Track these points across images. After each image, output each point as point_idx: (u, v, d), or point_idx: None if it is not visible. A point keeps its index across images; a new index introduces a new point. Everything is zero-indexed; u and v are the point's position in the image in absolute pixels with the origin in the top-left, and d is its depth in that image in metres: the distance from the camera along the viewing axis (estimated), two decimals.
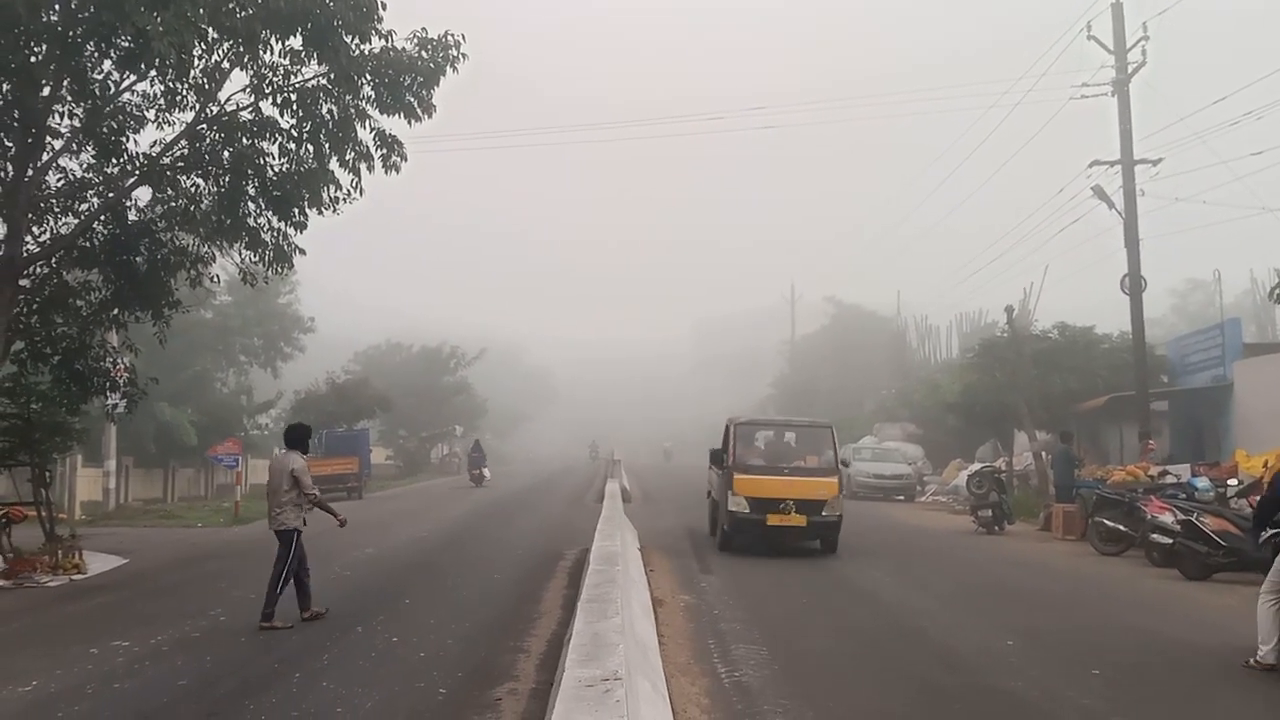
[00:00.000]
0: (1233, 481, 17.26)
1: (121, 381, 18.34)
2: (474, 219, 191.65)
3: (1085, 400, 27.68)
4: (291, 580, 11.27)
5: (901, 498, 31.78)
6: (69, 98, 15.78)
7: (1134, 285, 24.20)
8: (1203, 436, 25.47)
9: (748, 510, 16.07)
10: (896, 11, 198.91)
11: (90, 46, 14.55)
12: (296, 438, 11.95)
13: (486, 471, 41.54)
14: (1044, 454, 26.31)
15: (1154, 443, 23.47)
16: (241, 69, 16.39)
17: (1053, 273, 36.87)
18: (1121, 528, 16.67)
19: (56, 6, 14.13)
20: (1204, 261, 64.49)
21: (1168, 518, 14.57)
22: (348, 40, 15.70)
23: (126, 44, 13.76)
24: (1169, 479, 18.28)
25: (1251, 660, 8.88)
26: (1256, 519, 10.73)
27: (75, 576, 14.98)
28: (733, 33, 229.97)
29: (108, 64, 15.34)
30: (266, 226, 17.39)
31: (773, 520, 16.02)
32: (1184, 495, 16.49)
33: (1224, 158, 23.65)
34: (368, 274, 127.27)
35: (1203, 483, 17.40)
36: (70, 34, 14.20)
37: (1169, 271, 57.11)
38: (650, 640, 8.37)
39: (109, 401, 19.54)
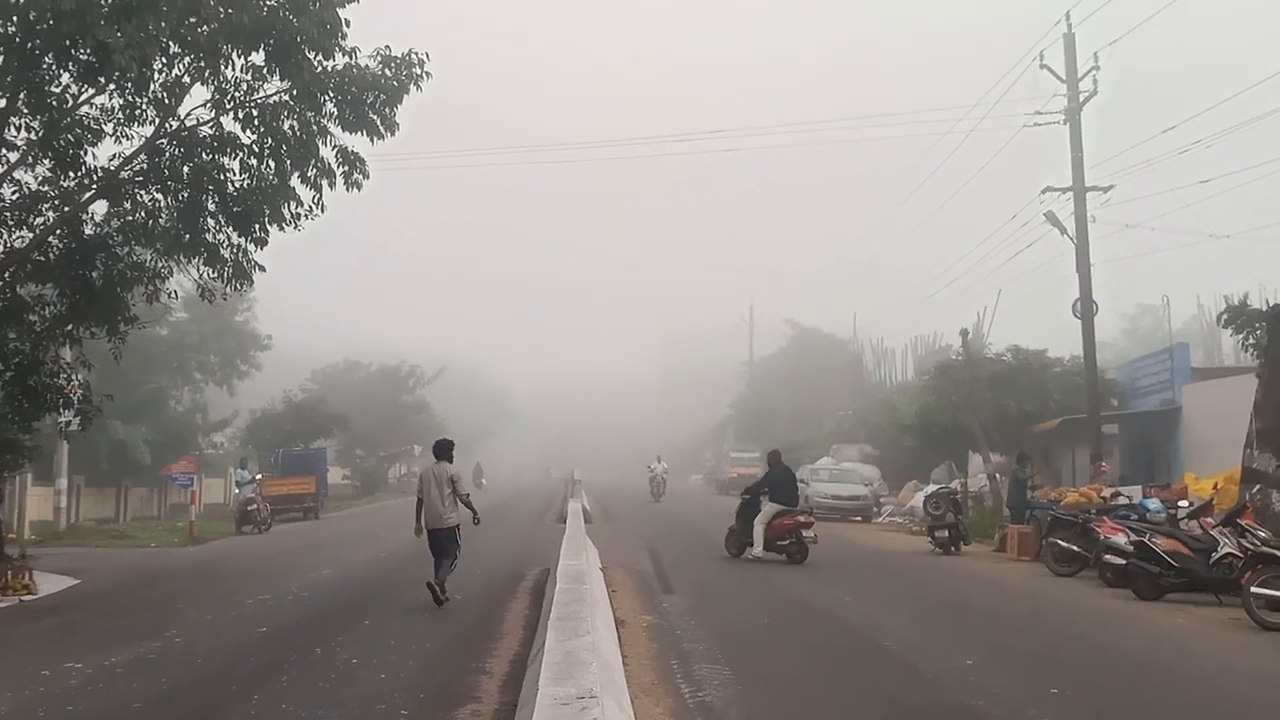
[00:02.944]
0: (1183, 503, 17.54)
1: (75, 398, 18.02)
2: (433, 245, 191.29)
3: (1039, 422, 28.06)
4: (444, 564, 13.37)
5: (859, 518, 31.96)
6: (25, 110, 15.56)
7: (1085, 309, 24.62)
8: (1153, 458, 25.88)
9: None
10: (854, 40, 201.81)
11: (49, 59, 14.41)
12: (443, 449, 13.97)
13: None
14: (998, 475, 26.62)
15: (1106, 464, 23.82)
16: (203, 83, 16.29)
17: (1006, 297, 37.43)
18: (1075, 548, 16.89)
19: (14, 17, 13.96)
20: (1153, 286, 65.61)
21: (1121, 539, 14.77)
22: (311, 56, 15.65)
23: (86, 57, 13.64)
24: (1121, 500, 18.56)
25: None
26: (752, 491, 19.33)
27: (25, 597, 14.69)
28: (696, 68, 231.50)
29: (66, 76, 15.17)
30: (226, 242, 17.28)
31: None
32: (1136, 516, 16.74)
33: (1173, 185, 24.19)
34: (325, 295, 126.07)
35: (1154, 504, 17.71)
36: (29, 45, 14.05)
37: (1119, 296, 58.06)
38: (615, 660, 8.36)
39: (62, 419, 19.18)
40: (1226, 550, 13.44)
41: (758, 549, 18.34)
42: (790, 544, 18.31)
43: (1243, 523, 13.61)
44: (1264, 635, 11.53)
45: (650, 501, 41.28)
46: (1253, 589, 12.08)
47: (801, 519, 18.62)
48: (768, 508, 18.67)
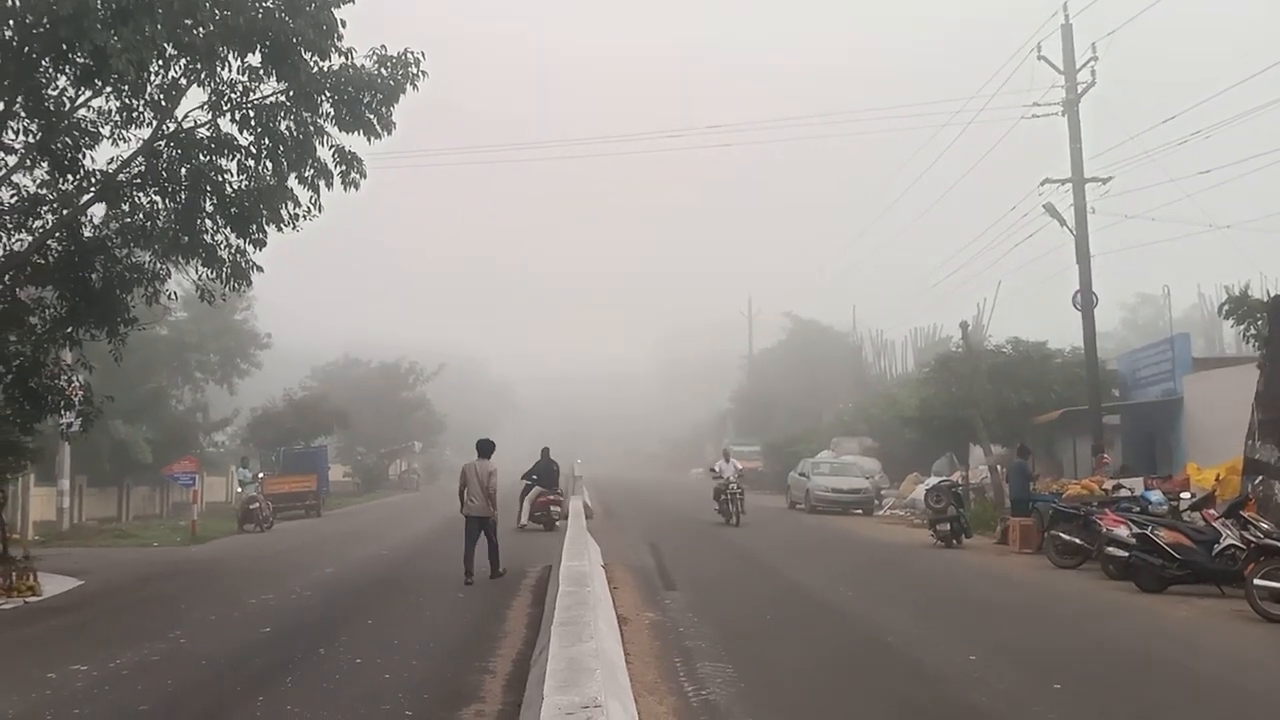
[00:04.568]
0: (1185, 495, 17.54)
1: (76, 400, 18.07)
2: (432, 243, 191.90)
3: (1040, 414, 28.05)
4: (475, 550, 15.43)
5: (860, 511, 31.92)
6: (23, 114, 15.59)
7: (1085, 301, 24.60)
8: (1155, 449, 25.89)
9: None
10: (854, 31, 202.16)
11: (46, 62, 14.41)
12: (485, 448, 16.04)
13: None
14: (1000, 467, 26.63)
15: (1108, 456, 23.81)
16: (199, 85, 16.30)
17: (1006, 289, 37.38)
18: (1078, 541, 16.90)
19: (11, 22, 13.96)
20: (1153, 276, 65.68)
21: (1123, 531, 14.80)
22: (307, 57, 15.64)
23: (83, 60, 13.65)
24: (1123, 492, 18.53)
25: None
26: (527, 476, 25.63)
27: (30, 599, 14.72)
28: (693, 67, 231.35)
29: (63, 80, 15.18)
30: (224, 243, 17.30)
31: None
32: (1138, 509, 16.73)
33: (1173, 176, 24.15)
34: (325, 293, 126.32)
35: (1156, 496, 17.68)
36: (26, 49, 14.05)
37: (1119, 286, 58.10)
38: (618, 659, 8.37)
39: (63, 420, 19.24)
40: (1229, 542, 13.46)
41: (524, 519, 25.26)
42: (540, 515, 25.26)
43: (1245, 514, 13.62)
44: (1267, 627, 11.56)
45: (714, 523, 26.31)
46: (1256, 581, 12.11)
47: (552, 499, 25.58)
48: (535, 490, 25.74)
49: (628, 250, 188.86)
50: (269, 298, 44.20)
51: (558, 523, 24.11)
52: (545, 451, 26.80)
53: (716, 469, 28.74)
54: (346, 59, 16.06)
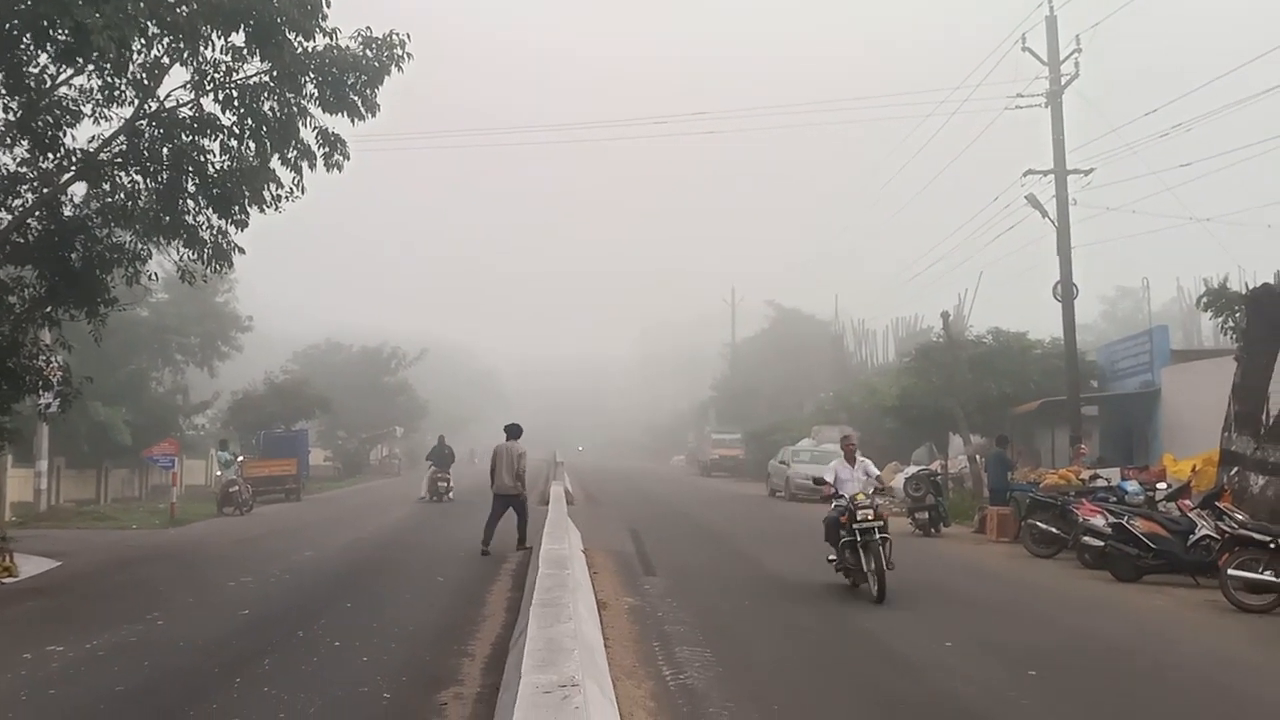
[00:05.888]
0: (1161, 485, 17.68)
1: (55, 380, 17.92)
2: (420, 236, 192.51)
3: (1019, 404, 28.23)
4: (496, 525, 17.08)
5: None
6: (3, 90, 15.38)
7: (1066, 292, 24.74)
8: (1132, 440, 26.09)
9: None
10: (840, 23, 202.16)
11: (27, 39, 14.26)
12: (515, 432, 17.67)
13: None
14: (978, 457, 26.78)
15: (1085, 446, 23.98)
16: (182, 65, 16.09)
17: (987, 280, 37.59)
18: (1054, 530, 17.04)
19: None
20: (1133, 269, 66.15)
21: (1099, 521, 14.91)
22: (291, 37, 15.48)
23: (64, 38, 13.51)
24: (1100, 483, 18.67)
25: None
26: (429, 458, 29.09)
27: (6, 580, 14.64)
28: (682, 55, 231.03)
29: (44, 57, 15.00)
30: (206, 224, 17.17)
31: None
32: (1114, 499, 16.88)
33: (1154, 169, 24.30)
34: (308, 278, 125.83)
35: (1132, 486, 17.84)
36: (6, 26, 13.90)
37: (1099, 278, 58.50)
38: (596, 643, 8.40)
39: (41, 401, 19.11)
40: (1204, 532, 13.58)
41: (423, 494, 30.96)
42: (431, 489, 30.81)
43: (1220, 505, 13.72)
44: (1240, 617, 11.69)
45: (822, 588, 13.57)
46: (1229, 571, 12.23)
47: (440, 476, 30.83)
48: (432, 470, 31.23)
49: (614, 247, 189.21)
50: (251, 281, 44.04)
51: (447, 495, 30.24)
52: (441, 439, 32.09)
53: (830, 479, 13.88)
54: (331, 39, 15.92)
